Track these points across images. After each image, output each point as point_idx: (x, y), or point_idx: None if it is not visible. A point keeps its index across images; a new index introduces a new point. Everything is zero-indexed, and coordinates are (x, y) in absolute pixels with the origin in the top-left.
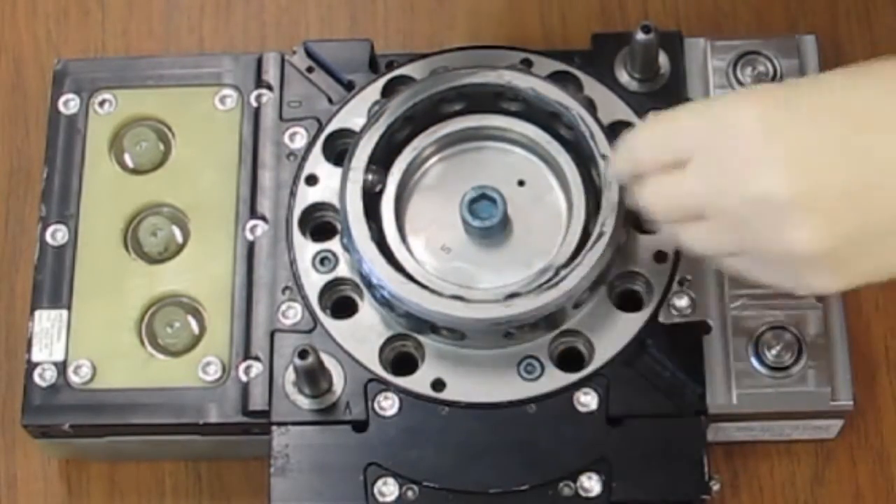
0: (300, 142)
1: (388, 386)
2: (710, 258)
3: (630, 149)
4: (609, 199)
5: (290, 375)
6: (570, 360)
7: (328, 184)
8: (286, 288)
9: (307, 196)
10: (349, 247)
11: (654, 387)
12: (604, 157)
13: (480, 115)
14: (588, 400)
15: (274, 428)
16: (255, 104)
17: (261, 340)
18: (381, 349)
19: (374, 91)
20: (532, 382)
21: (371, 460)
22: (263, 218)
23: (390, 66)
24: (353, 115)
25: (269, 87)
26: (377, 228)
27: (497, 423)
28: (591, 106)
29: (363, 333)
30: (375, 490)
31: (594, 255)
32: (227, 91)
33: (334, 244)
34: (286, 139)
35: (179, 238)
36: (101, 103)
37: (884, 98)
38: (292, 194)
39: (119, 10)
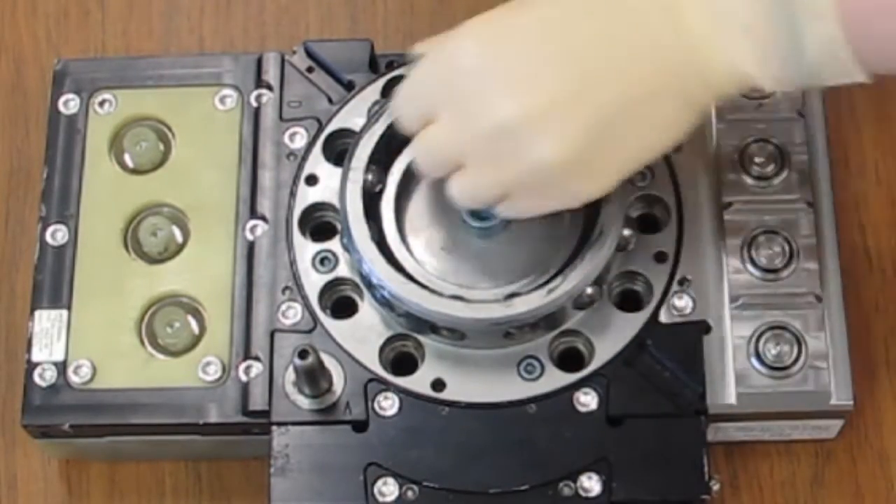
0: (300, 142)
1: (388, 386)
2: (481, 206)
3: (395, 114)
4: (609, 198)
5: (290, 375)
6: (570, 360)
7: (328, 184)
8: (286, 288)
9: (307, 196)
10: (349, 247)
11: (654, 387)
12: None
13: None
14: (588, 400)
15: (274, 428)
16: (255, 104)
17: (261, 340)
18: (381, 349)
19: (374, 91)
20: (532, 382)
21: (371, 460)
22: (263, 218)
23: (390, 66)
24: (353, 115)
25: (269, 87)
26: (377, 228)
27: (497, 423)
28: None
29: (363, 333)
30: (375, 490)
31: (594, 254)
32: (227, 91)
33: (334, 244)
34: (286, 139)
35: (179, 238)
36: (101, 103)
37: (581, 3)
38: (292, 194)
39: (119, 10)
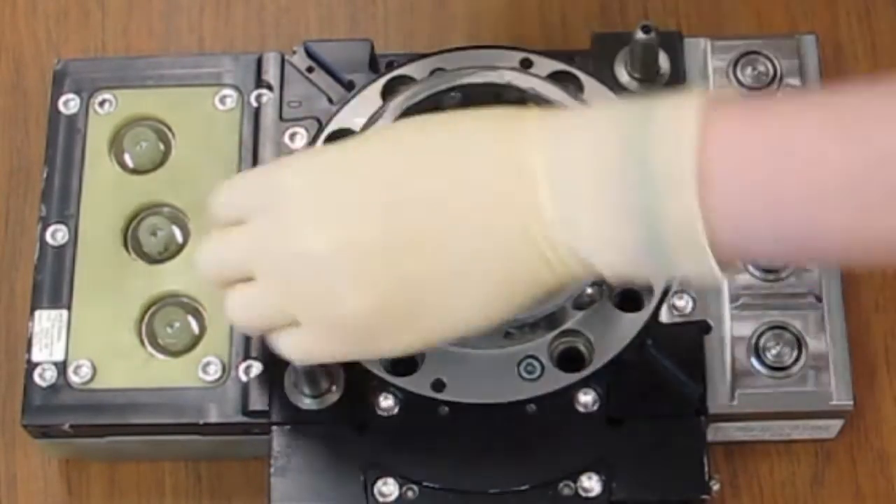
0: (300, 142)
1: (388, 386)
2: (262, 330)
3: (210, 205)
4: None
5: (290, 375)
6: (570, 360)
7: None
8: None
9: None
10: None
11: (654, 387)
12: None
13: None
14: (588, 400)
15: (274, 428)
16: (255, 104)
17: (261, 340)
18: None
19: (374, 91)
20: (532, 382)
21: (371, 460)
22: None
23: (390, 66)
24: (353, 115)
25: (270, 87)
26: None
27: (497, 423)
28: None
29: None
30: (375, 490)
31: None
32: (227, 91)
33: None
34: (286, 139)
35: (179, 238)
36: (101, 103)
37: (425, 152)
38: None
39: (119, 10)
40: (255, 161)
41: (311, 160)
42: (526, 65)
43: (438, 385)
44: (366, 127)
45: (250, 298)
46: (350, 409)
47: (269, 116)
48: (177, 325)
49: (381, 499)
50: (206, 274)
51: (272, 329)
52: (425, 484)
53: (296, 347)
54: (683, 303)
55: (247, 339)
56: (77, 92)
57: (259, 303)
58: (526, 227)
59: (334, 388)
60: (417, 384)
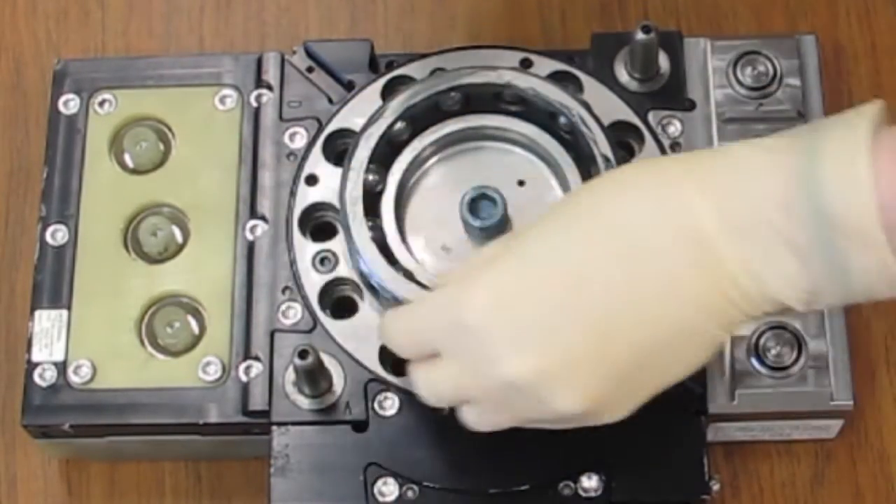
0: (300, 142)
1: (388, 386)
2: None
3: (388, 341)
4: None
5: (290, 375)
6: None
7: (328, 184)
8: (286, 288)
9: (307, 196)
10: (349, 247)
11: None
12: (605, 157)
13: (480, 115)
14: None
15: (274, 428)
16: (255, 104)
17: (261, 340)
18: (381, 349)
19: (374, 91)
20: None
21: (371, 460)
22: (263, 218)
23: (390, 66)
24: (353, 115)
25: (270, 87)
26: (377, 228)
27: None
28: (587, 107)
29: (363, 333)
30: (375, 490)
31: None
32: (227, 91)
33: (334, 244)
34: (286, 139)
35: (179, 238)
36: (101, 103)
37: (594, 245)
38: (292, 194)
39: (119, 10)
40: (255, 161)
41: (491, 286)
42: (526, 65)
43: None
44: (366, 126)
45: (477, 416)
46: (350, 409)
47: (269, 116)
48: (177, 325)
49: (381, 499)
50: (427, 399)
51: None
52: (425, 484)
53: (487, 424)
54: None
55: (247, 339)
56: (77, 92)
57: (488, 418)
58: (716, 287)
59: (334, 388)
60: None
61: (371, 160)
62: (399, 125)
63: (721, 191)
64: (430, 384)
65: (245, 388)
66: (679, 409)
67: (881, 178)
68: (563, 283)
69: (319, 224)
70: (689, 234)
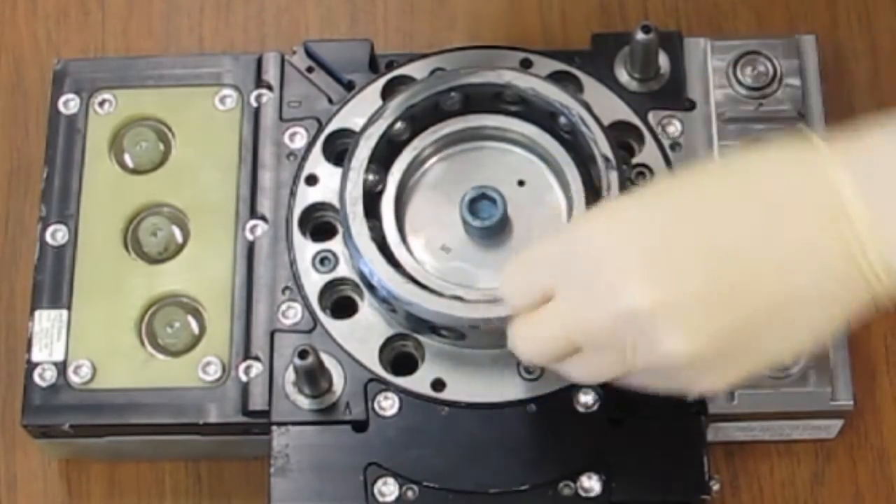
0: (300, 142)
1: (388, 386)
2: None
3: (503, 285)
4: (609, 198)
5: (290, 375)
6: None
7: (328, 184)
8: (286, 288)
9: (307, 196)
10: (349, 247)
11: None
12: (605, 157)
13: (480, 115)
14: (588, 400)
15: (274, 428)
16: (254, 104)
17: (261, 340)
18: (381, 349)
19: (374, 91)
20: (532, 382)
21: (371, 460)
22: (263, 218)
23: (390, 66)
24: (353, 115)
25: (269, 87)
26: (377, 228)
27: (497, 423)
28: (588, 107)
29: (363, 333)
30: (375, 490)
31: None
32: (226, 91)
33: (334, 244)
34: (286, 139)
35: (179, 238)
36: (101, 103)
37: (730, 195)
38: (292, 194)
39: (119, 10)
40: (254, 161)
41: (610, 212)
42: (526, 65)
43: (438, 385)
44: (366, 126)
45: (585, 367)
46: (350, 410)
47: (269, 116)
48: (177, 325)
49: (381, 499)
50: (529, 359)
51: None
52: (425, 484)
53: (592, 373)
54: None
55: (247, 339)
56: (77, 92)
57: (595, 367)
58: (847, 253)
59: (334, 388)
60: (417, 384)
61: (371, 160)
62: (399, 125)
63: (862, 165)
64: (536, 332)
65: (245, 388)
66: (679, 409)
67: None
68: (694, 226)
69: (319, 224)
70: (827, 200)
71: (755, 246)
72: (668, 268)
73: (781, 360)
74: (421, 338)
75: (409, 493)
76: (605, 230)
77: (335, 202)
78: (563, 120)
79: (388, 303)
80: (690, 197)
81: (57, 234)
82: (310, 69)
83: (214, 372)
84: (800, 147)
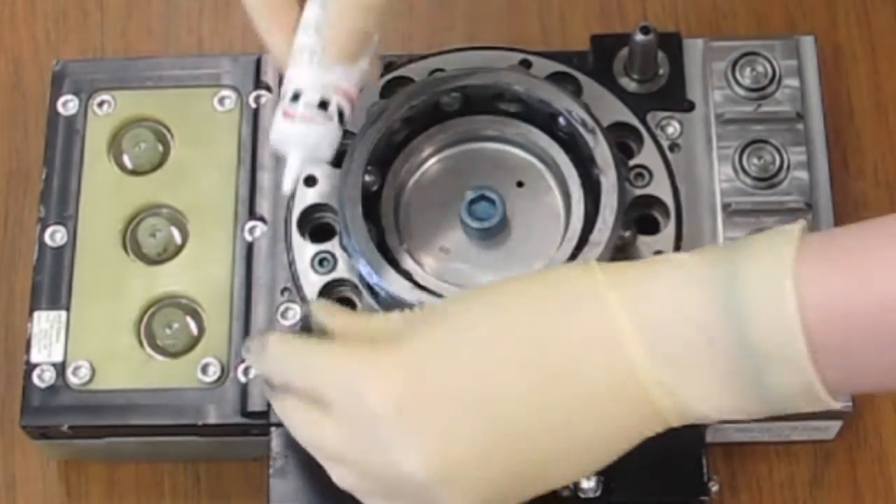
0: None
1: None
2: None
3: (263, 363)
4: (608, 199)
5: None
6: None
7: (327, 185)
8: (285, 289)
9: (306, 197)
10: (348, 248)
11: None
12: (604, 158)
13: (479, 116)
14: None
15: (273, 429)
16: (253, 105)
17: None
18: None
19: (372, 92)
20: None
21: None
22: (262, 219)
23: (389, 67)
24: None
25: (268, 88)
26: (376, 229)
27: None
28: (587, 108)
29: None
30: None
31: (593, 255)
32: (225, 92)
33: (333, 245)
34: None
35: (178, 239)
36: (100, 104)
37: (497, 356)
38: (291, 195)
39: (118, 11)
40: (253, 162)
41: (391, 371)
42: (525, 66)
43: None
44: (365, 127)
45: (349, 479)
46: None
47: (267, 117)
48: (175, 326)
49: None
50: (296, 437)
51: None
52: None
53: (356, 490)
54: None
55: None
56: (76, 93)
57: (359, 485)
58: (632, 407)
59: None
60: None
61: (370, 161)
62: (398, 126)
63: (643, 312)
64: (309, 429)
65: (244, 389)
66: None
67: (806, 304)
68: (470, 379)
69: (318, 225)
70: (609, 354)
71: (533, 402)
72: (442, 435)
73: (559, 486)
74: None
75: None
76: (386, 393)
77: (334, 203)
78: (562, 121)
79: (386, 303)
80: (480, 351)
81: (56, 235)
82: None
83: (213, 373)
84: (584, 287)
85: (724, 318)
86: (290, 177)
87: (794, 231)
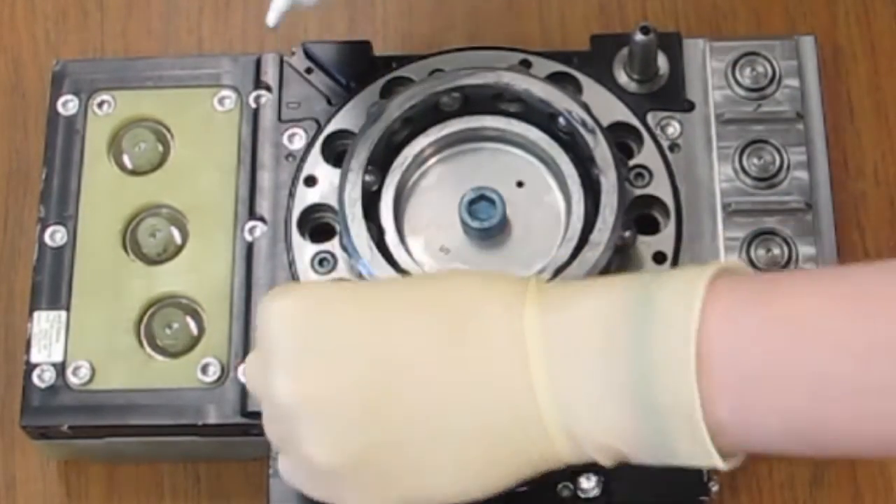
0: (299, 143)
1: None
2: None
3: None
4: (608, 199)
5: None
6: None
7: (327, 185)
8: None
9: (306, 197)
10: (348, 248)
11: None
12: (604, 159)
13: (479, 116)
14: None
15: None
16: (253, 105)
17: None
18: None
19: (372, 92)
20: None
21: None
22: (262, 219)
23: (389, 68)
24: (351, 117)
25: (268, 89)
26: (376, 229)
27: None
28: (587, 108)
29: None
30: None
31: (593, 255)
32: (225, 92)
33: (333, 245)
34: (285, 140)
35: (178, 239)
36: (100, 104)
37: (398, 319)
38: (291, 195)
39: (118, 11)
40: (253, 162)
41: (297, 304)
42: (525, 66)
43: None
44: (365, 127)
45: (264, 417)
46: None
47: (267, 117)
48: (175, 326)
49: None
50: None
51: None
52: None
53: (283, 469)
54: None
55: (246, 340)
56: (76, 93)
57: (266, 425)
58: (517, 408)
59: None
60: None
61: (370, 161)
62: (398, 126)
63: (555, 321)
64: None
65: (244, 389)
66: None
67: (706, 342)
68: (356, 338)
69: (318, 225)
70: (510, 349)
71: (416, 374)
72: (316, 371)
73: (448, 501)
74: None
75: None
76: (281, 315)
77: (334, 203)
78: (561, 121)
79: None
80: (372, 306)
81: (56, 235)
82: (308, 70)
83: (213, 373)
84: (510, 293)
85: (623, 339)
86: (277, 7)
87: (709, 268)
